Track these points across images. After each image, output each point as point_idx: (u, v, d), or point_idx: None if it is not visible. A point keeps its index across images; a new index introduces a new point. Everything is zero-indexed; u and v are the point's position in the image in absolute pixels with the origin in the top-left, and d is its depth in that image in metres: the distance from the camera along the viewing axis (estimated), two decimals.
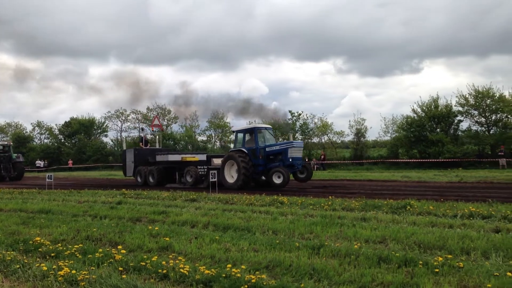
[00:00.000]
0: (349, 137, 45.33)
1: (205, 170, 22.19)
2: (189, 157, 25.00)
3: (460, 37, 74.95)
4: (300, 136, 46.31)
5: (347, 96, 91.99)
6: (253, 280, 5.28)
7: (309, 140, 46.47)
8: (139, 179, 25.68)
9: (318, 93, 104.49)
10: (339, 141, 46.83)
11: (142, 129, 33.06)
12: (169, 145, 48.42)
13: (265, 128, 21.59)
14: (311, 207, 12.17)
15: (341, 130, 46.73)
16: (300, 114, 47.40)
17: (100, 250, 7.06)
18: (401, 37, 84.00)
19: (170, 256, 6.78)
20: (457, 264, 5.88)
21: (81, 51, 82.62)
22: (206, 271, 5.72)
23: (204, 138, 54.20)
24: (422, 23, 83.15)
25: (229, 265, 6.04)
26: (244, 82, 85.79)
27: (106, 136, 61.08)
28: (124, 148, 30.33)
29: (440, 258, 6.14)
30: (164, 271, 5.83)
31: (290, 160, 19.43)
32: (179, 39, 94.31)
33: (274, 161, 20.00)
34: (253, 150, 20.14)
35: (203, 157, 24.96)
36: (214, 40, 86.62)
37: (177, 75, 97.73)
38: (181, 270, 5.79)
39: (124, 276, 5.72)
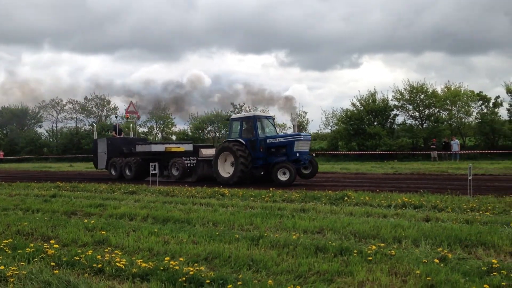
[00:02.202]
0: (291, 130, 45.98)
1: (194, 162, 20.37)
2: (174, 148, 22.70)
3: (396, 34, 77.95)
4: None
5: (290, 89, 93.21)
6: (191, 272, 5.24)
7: None
8: (113, 172, 23.49)
9: (261, 85, 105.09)
10: (282, 133, 47.40)
11: (116, 116, 29.73)
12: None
13: (266, 117, 19.72)
14: (252, 198, 12.25)
15: (283, 123, 47.36)
16: (242, 106, 47.62)
17: (32, 245, 6.74)
18: (341, 32, 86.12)
19: (106, 250, 6.59)
20: (389, 252, 6.12)
21: (13, 37, 78.38)
22: (144, 264, 5.61)
23: (145, 130, 53.15)
24: (361, 19, 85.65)
25: (168, 258, 5.96)
26: (187, 73, 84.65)
27: (40, 126, 58.52)
28: (95, 137, 27.92)
29: (374, 247, 6.36)
30: (99, 265, 5.66)
31: (297, 154, 17.51)
32: (118, 27, 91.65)
33: (276, 155, 17.99)
34: (252, 141, 18.14)
35: (189, 147, 22.88)
36: (155, 30, 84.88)
37: (116, 64, 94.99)
38: (117, 263, 5.65)
39: (56, 271, 5.50)
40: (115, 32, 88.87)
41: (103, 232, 7.73)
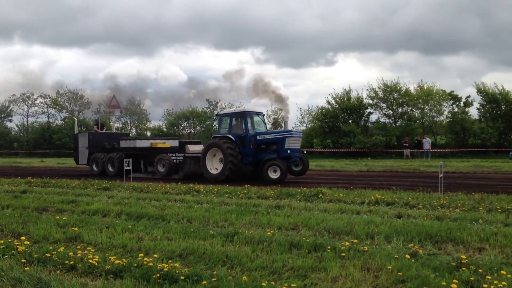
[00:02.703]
0: (267, 126, 46.11)
1: (181, 158, 19.70)
2: (160, 143, 21.96)
3: (371, 34, 78.81)
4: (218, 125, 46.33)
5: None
6: (165, 269, 5.21)
7: None
8: (95, 168, 22.72)
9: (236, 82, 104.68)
10: None
11: (99, 110, 27.85)
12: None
13: (256, 113, 19.05)
14: (227, 195, 12.25)
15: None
16: (218, 103, 47.52)
17: (1, 241, 6.59)
18: (317, 30, 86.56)
19: (79, 247, 6.49)
20: (362, 248, 6.21)
21: None
22: (117, 261, 5.56)
23: (119, 125, 52.46)
24: (337, 18, 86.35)
25: (141, 254, 5.91)
26: (162, 68, 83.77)
27: (10, 121, 56.97)
28: (76, 131, 26.89)
29: (347, 243, 6.45)
30: (72, 262, 5.59)
31: (288, 151, 17.18)
32: (91, 20, 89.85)
33: (267, 152, 17.67)
34: (242, 137, 17.74)
35: (175, 143, 22.38)
36: (129, 24, 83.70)
37: (89, 58, 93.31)
38: (90, 260, 5.58)
39: (27, 268, 5.40)
40: (88, 25, 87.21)
41: (75, 229, 7.61)
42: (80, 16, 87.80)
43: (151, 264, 5.43)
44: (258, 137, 17.85)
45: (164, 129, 48.95)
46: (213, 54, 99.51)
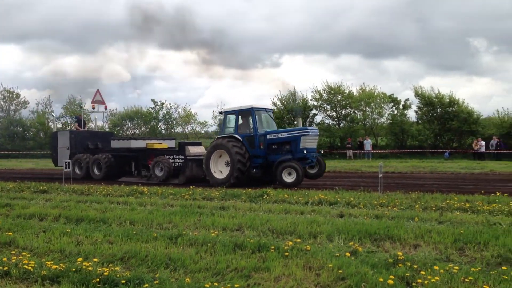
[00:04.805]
0: (213, 128, 46.01)
1: (180, 161, 17.87)
2: (157, 144, 19.76)
3: (315, 36, 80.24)
4: (163, 125, 45.81)
5: (211, 87, 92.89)
6: (105, 273, 5.08)
7: (173, 130, 46.17)
8: (77, 171, 20.38)
9: (182, 82, 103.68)
10: (203, 131, 47.31)
11: (81, 106, 24.17)
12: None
13: (265, 109, 17.13)
14: (171, 197, 12.11)
15: (205, 121, 47.26)
16: (163, 104, 46.87)
17: None
18: (263, 32, 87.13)
19: (13, 252, 6.21)
20: (305, 247, 6.33)
21: None
22: (54, 266, 5.37)
23: (59, 126, 50.54)
24: (282, 20, 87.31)
25: (80, 259, 5.73)
26: (104, 67, 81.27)
27: None
28: (55, 129, 24.73)
29: (290, 243, 6.55)
30: (5, 268, 5.35)
31: (305, 152, 15.53)
32: (28, 16, 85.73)
33: (279, 152, 15.89)
34: (250, 137, 15.99)
35: (172, 143, 20.66)
36: (69, 20, 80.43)
37: (27, 55, 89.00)
38: (25, 266, 5.36)
39: None
40: (24, 20, 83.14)
41: (9, 233, 7.28)
42: (16, 11, 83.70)
43: (90, 268, 5.28)
44: (268, 137, 16.09)
45: (107, 130, 47.60)
46: (158, 54, 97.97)
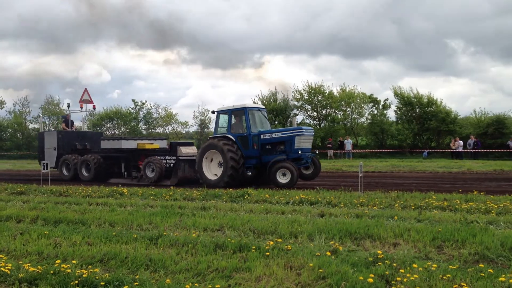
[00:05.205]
0: (193, 128, 45.85)
1: (172, 161, 17.58)
2: (148, 144, 19.24)
3: (295, 37, 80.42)
4: (144, 126, 45.44)
5: (192, 87, 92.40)
6: (84, 275, 5.02)
7: (153, 130, 45.84)
8: (65, 172, 20.01)
9: (162, 82, 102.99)
10: (184, 132, 47.10)
11: (68, 105, 23.24)
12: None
13: (258, 108, 16.77)
14: (152, 197, 12.02)
15: (186, 121, 47.04)
16: (144, 104, 46.53)
17: None
18: (243, 32, 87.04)
19: None
20: (286, 247, 6.34)
21: None
22: (32, 269, 5.28)
23: (36, 126, 49.69)
24: (262, 20, 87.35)
25: (59, 261, 5.65)
26: (83, 67, 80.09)
27: None
28: (42, 130, 23.96)
29: (271, 242, 6.56)
30: None
31: (299, 152, 15.29)
32: (2, 13, 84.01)
33: (273, 153, 15.66)
34: (243, 137, 15.66)
35: (163, 143, 20.19)
36: (46, 19, 79.06)
37: (2, 55, 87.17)
38: (2, 269, 5.26)
39: None
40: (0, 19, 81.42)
41: None
42: None
43: (69, 270, 5.20)
44: (262, 136, 15.75)
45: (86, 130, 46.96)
46: (137, 54, 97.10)
